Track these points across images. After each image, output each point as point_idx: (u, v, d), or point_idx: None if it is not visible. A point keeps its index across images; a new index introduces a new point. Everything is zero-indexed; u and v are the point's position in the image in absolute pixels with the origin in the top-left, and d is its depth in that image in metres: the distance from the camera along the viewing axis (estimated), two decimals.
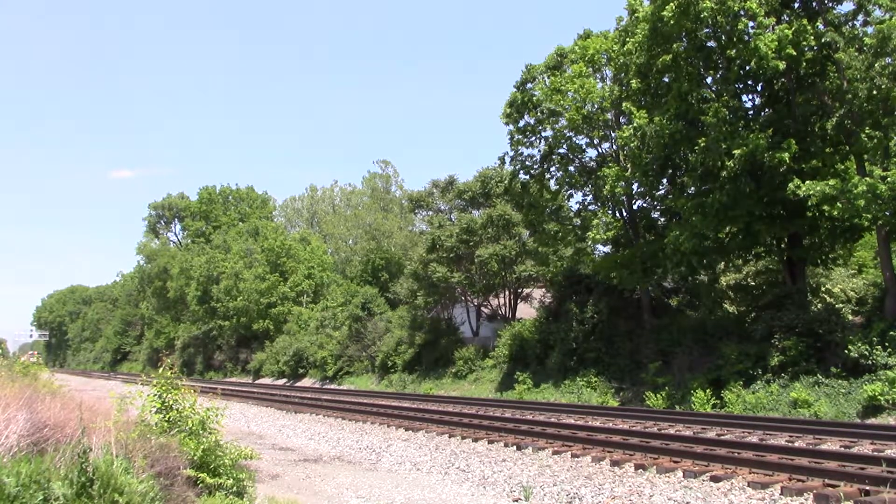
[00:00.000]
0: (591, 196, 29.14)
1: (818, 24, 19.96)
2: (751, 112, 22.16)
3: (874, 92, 17.79)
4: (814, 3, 20.52)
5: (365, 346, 43.76)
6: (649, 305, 27.78)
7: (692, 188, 22.33)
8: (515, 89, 29.76)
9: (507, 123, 29.92)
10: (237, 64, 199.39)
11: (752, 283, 25.93)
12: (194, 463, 8.02)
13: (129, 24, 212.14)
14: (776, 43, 18.75)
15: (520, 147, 29.96)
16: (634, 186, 26.46)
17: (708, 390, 20.39)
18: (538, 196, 29.62)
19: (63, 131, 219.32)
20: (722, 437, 13.83)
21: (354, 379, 43.71)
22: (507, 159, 30.80)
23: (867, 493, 8.65)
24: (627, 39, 23.51)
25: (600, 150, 28.88)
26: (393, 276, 51.81)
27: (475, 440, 15.56)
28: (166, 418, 8.86)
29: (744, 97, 22.44)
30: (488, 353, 34.53)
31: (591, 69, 27.77)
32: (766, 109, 22.10)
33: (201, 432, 8.70)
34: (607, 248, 29.28)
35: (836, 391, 18.19)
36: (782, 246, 22.74)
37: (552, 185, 29.75)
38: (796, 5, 20.98)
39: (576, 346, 27.56)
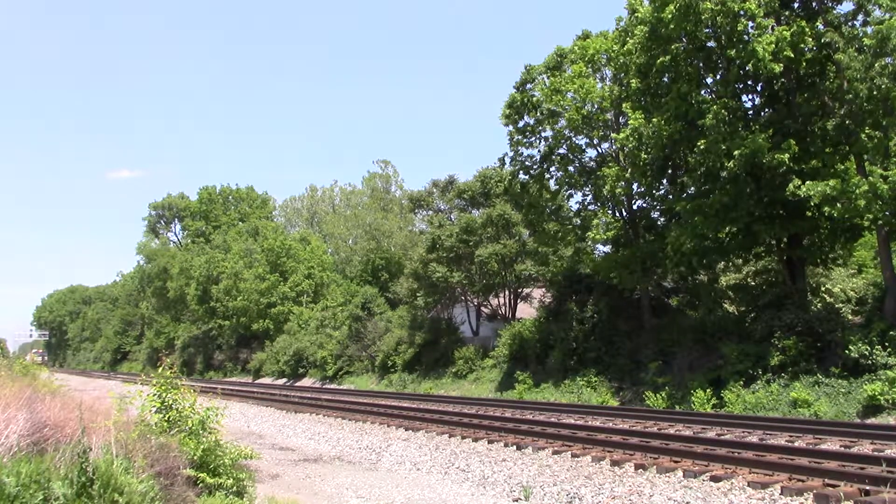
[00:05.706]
0: (590, 196, 29.11)
1: (818, 24, 19.93)
2: (751, 112, 22.12)
3: (874, 92, 17.76)
4: (813, 4, 20.49)
5: (365, 346, 43.75)
6: (649, 305, 27.78)
7: (692, 188, 22.33)
8: (515, 90, 29.71)
9: (506, 124, 29.89)
10: (237, 64, 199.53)
11: (752, 283, 25.91)
12: (194, 463, 8.02)
13: (129, 24, 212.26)
14: (773, 46, 18.73)
15: (519, 147, 29.94)
16: (634, 186, 26.47)
17: (708, 390, 20.39)
18: (538, 196, 29.59)
19: (63, 131, 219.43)
20: (722, 437, 13.83)
21: (354, 379, 43.71)
22: (507, 160, 30.81)
23: (867, 493, 8.64)
24: (627, 39, 23.50)
25: (600, 151, 28.88)
26: (393, 275, 51.78)
27: (475, 440, 15.55)
28: (166, 418, 8.86)
29: (744, 97, 22.41)
30: (488, 352, 34.53)
31: (590, 69, 27.75)
32: (766, 110, 22.08)
33: (201, 432, 8.71)
34: (607, 248, 29.27)
35: (836, 391, 18.18)
36: (782, 246, 22.73)
37: (552, 185, 29.72)
38: (796, 5, 20.95)
39: (576, 346, 27.56)
